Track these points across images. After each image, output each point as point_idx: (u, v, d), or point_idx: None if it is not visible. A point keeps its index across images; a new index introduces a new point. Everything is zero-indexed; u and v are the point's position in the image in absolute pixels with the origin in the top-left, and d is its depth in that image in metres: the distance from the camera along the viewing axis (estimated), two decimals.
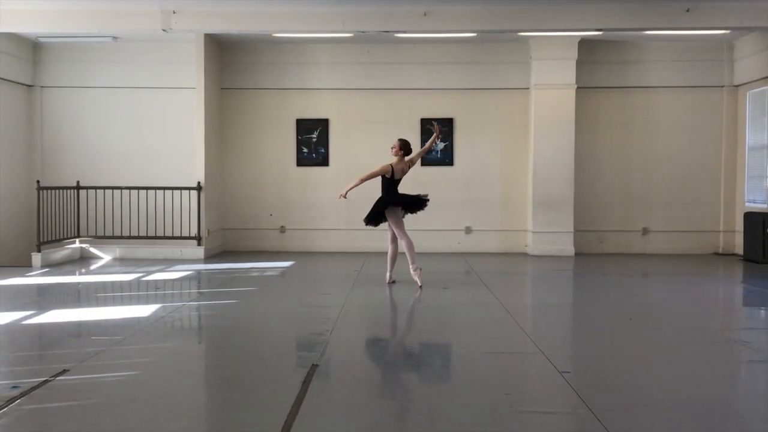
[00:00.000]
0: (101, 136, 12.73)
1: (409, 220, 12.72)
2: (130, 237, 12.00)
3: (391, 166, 8.76)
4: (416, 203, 8.96)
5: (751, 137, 12.33)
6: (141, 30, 10.91)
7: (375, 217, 8.89)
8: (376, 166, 8.84)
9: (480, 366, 5.35)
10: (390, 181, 8.76)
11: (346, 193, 8.88)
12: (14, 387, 4.60)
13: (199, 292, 8.83)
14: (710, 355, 5.67)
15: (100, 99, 12.76)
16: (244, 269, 10.61)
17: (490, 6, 10.32)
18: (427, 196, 9.06)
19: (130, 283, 9.42)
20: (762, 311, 8.04)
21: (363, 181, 8.76)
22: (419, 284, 8.78)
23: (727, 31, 11.19)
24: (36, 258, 10.70)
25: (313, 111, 12.98)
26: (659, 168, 12.81)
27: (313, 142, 12.98)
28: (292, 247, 12.90)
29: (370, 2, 10.23)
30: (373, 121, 12.89)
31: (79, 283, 9.57)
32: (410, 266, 8.91)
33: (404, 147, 8.89)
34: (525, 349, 5.81)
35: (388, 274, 9.14)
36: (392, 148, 8.91)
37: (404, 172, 8.90)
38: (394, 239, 9.00)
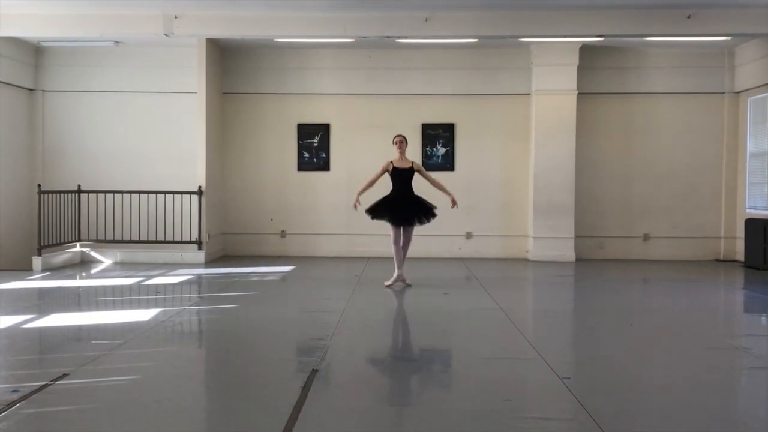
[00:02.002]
0: (102, 139, 12.75)
1: None
2: (130, 241, 11.99)
3: (392, 163, 9.08)
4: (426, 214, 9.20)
5: (752, 143, 12.33)
6: (143, 34, 10.91)
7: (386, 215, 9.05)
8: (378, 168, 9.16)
9: (480, 371, 5.34)
10: (410, 175, 9.05)
11: (357, 202, 9.11)
12: (14, 391, 4.59)
13: (199, 297, 8.83)
14: (711, 362, 5.66)
15: (102, 103, 12.78)
16: (245, 274, 10.61)
17: (492, 12, 10.33)
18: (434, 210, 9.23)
19: (130, 287, 9.42)
20: (763, 318, 8.03)
21: (370, 185, 9.08)
22: (407, 283, 9.13)
23: (728, 38, 11.18)
24: (37, 261, 10.70)
25: (314, 116, 12.99)
26: (660, 174, 12.80)
27: (314, 147, 12.98)
28: (292, 251, 12.90)
29: (371, 7, 10.24)
30: (374, 126, 12.89)
31: (79, 287, 9.57)
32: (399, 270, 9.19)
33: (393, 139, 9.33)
34: (525, 354, 5.81)
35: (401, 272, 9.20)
36: (402, 144, 9.12)
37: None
38: (398, 240, 9.09)
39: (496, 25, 10.43)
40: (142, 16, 10.53)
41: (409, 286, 9.16)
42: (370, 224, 12.64)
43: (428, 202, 9.14)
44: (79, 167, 12.58)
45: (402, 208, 9.01)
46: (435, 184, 9.20)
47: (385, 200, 9.11)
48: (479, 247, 12.86)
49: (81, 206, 12.03)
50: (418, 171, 9.13)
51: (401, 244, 9.11)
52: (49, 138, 12.80)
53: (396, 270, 9.13)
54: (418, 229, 12.67)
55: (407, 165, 9.08)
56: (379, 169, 9.13)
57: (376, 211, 9.08)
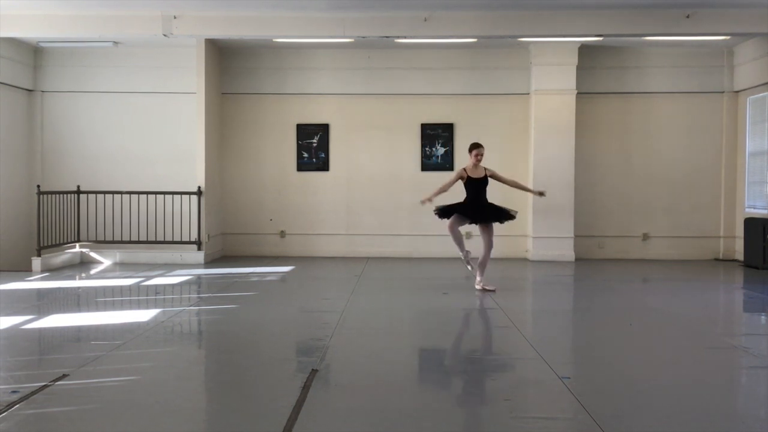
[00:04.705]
0: (102, 140, 12.74)
1: (410, 224, 12.79)
2: (130, 241, 12.00)
3: (465, 170, 8.84)
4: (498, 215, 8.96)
5: (751, 143, 12.33)
6: (142, 35, 10.91)
7: (449, 213, 8.90)
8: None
9: (479, 371, 5.34)
10: (485, 184, 8.86)
11: (429, 200, 8.82)
12: (14, 392, 4.59)
13: (198, 297, 8.83)
14: (711, 361, 5.67)
15: (101, 103, 12.78)
16: (244, 274, 10.61)
17: (491, 12, 10.34)
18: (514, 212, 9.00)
19: (130, 287, 9.41)
20: (762, 317, 8.03)
21: (443, 190, 8.83)
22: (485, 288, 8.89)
23: (727, 37, 11.19)
24: (36, 262, 10.69)
25: (313, 116, 12.99)
26: (659, 173, 12.81)
27: (313, 147, 12.98)
28: (292, 252, 12.90)
29: (370, 8, 10.24)
30: (373, 127, 12.90)
31: (79, 288, 9.56)
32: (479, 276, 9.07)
33: (470, 149, 8.98)
34: (525, 354, 5.81)
35: (478, 277, 9.02)
36: (478, 155, 8.81)
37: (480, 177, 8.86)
38: (455, 226, 8.91)
39: (495, 24, 10.44)
40: (141, 16, 10.53)
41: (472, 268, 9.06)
42: (369, 224, 12.79)
43: (504, 208, 8.95)
44: (78, 168, 12.57)
45: (478, 209, 8.83)
46: (514, 184, 9.06)
47: (458, 204, 8.91)
48: (479, 247, 12.80)
49: (80, 207, 12.03)
50: (492, 176, 8.87)
51: (483, 254, 8.97)
52: (48, 139, 12.79)
53: (461, 253, 9.01)
54: (418, 228, 12.74)
55: (481, 174, 8.83)
56: (453, 176, 8.93)
57: (448, 211, 8.91)
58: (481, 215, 8.83)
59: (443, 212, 8.95)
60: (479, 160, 8.82)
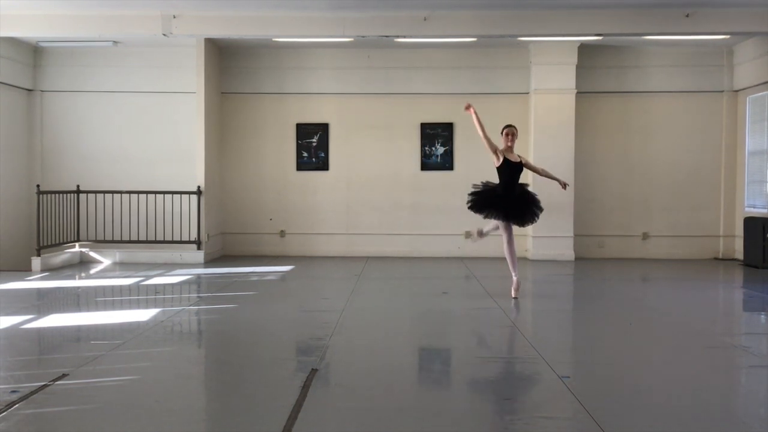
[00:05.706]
0: (101, 140, 12.74)
1: (410, 224, 12.79)
2: (129, 241, 12.00)
3: (502, 152, 8.24)
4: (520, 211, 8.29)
5: (750, 142, 12.33)
6: (141, 34, 10.91)
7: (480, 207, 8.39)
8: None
9: (479, 371, 5.34)
10: (521, 170, 8.34)
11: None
12: (13, 391, 4.59)
13: (198, 297, 8.83)
14: (710, 361, 5.67)
15: (101, 103, 12.77)
16: (244, 273, 10.60)
17: (490, 11, 10.34)
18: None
19: (129, 287, 9.41)
20: (762, 316, 8.03)
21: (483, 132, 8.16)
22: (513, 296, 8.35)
23: (727, 36, 11.19)
24: (36, 262, 10.69)
25: (313, 115, 12.98)
26: (659, 173, 12.81)
27: (313, 147, 12.98)
28: (291, 251, 12.89)
29: (370, 7, 10.24)
30: (373, 126, 12.90)
31: (78, 288, 9.56)
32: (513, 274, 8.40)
33: (502, 130, 8.43)
34: (525, 354, 5.81)
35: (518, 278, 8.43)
36: (508, 136, 8.23)
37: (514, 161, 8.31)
38: (511, 241, 8.41)
39: (494, 24, 10.43)
40: (140, 16, 10.53)
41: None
42: (369, 224, 12.78)
43: (534, 194, 8.46)
44: (77, 167, 12.57)
45: (513, 204, 8.24)
46: (543, 173, 8.60)
47: (491, 194, 8.38)
48: (478, 246, 12.83)
49: (80, 206, 12.03)
50: (526, 165, 8.41)
51: (509, 248, 8.36)
52: (48, 138, 12.79)
53: (514, 275, 8.37)
54: (417, 228, 12.75)
55: (517, 159, 8.32)
56: (490, 141, 8.24)
57: (480, 204, 8.38)
58: (514, 214, 8.26)
59: (476, 204, 8.42)
60: (512, 141, 8.27)
